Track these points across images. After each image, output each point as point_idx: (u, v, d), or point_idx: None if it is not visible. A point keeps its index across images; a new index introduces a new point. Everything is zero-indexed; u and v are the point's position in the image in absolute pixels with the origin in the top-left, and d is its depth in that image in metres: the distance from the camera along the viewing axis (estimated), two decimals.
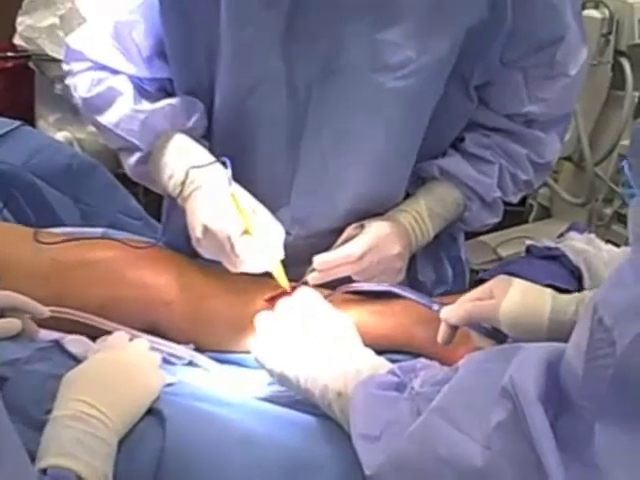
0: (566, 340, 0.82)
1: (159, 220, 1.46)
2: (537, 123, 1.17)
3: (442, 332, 0.93)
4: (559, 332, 0.85)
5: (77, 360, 0.82)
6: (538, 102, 1.14)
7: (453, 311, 0.92)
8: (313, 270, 1.06)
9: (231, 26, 1.02)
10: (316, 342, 0.87)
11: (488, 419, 0.61)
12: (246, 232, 0.98)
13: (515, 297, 0.87)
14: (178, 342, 1.01)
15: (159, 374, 0.84)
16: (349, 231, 1.11)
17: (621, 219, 2.97)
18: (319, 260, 1.06)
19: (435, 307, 0.94)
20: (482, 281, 1.09)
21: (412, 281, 1.22)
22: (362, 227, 1.10)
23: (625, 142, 2.83)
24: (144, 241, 1.16)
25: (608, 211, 2.99)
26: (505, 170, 1.18)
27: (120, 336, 0.88)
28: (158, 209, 1.42)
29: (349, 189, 1.11)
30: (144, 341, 0.89)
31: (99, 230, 1.24)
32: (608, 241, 3.17)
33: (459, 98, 1.12)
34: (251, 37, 1.02)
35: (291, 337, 0.88)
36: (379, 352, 0.90)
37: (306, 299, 0.96)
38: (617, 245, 3.14)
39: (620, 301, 0.55)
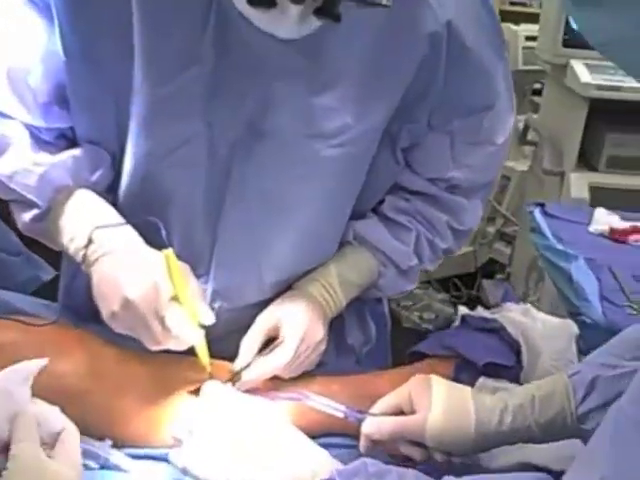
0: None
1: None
2: (460, 189, 1.15)
3: (364, 445, 0.91)
4: (484, 443, 0.86)
5: None
6: (462, 168, 1.12)
7: (375, 427, 0.90)
8: (238, 376, 0.98)
9: (148, 82, 0.94)
10: (247, 441, 0.81)
11: None
12: (174, 299, 0.90)
13: (438, 415, 0.86)
14: (92, 437, 0.91)
15: None
16: (266, 321, 1.02)
17: (503, 237, 3.07)
18: (251, 376, 0.98)
19: (353, 415, 0.92)
20: (415, 354, 1.07)
21: (340, 345, 1.17)
22: (280, 319, 1.02)
23: (509, 164, 2.92)
24: (41, 318, 1.04)
25: (491, 229, 3.09)
26: (423, 237, 1.15)
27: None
28: None
29: (277, 259, 1.05)
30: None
31: None
32: (491, 260, 3.26)
33: (386, 160, 1.09)
34: (171, 95, 0.94)
35: (216, 440, 0.82)
36: (314, 437, 0.87)
37: (227, 394, 0.90)
38: (498, 262, 3.23)
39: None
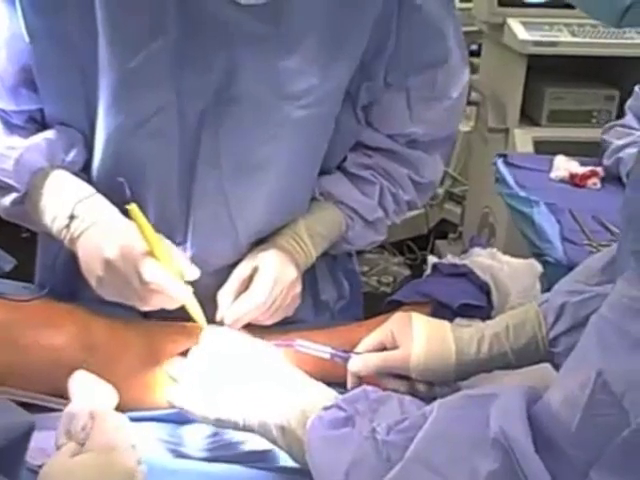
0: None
1: None
2: (419, 144, 1.18)
3: (351, 382, 0.95)
4: (464, 371, 0.92)
5: None
6: (420, 123, 1.16)
7: (361, 364, 0.94)
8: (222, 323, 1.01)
9: (115, 55, 0.96)
10: (242, 376, 0.85)
11: (476, 469, 0.63)
12: (151, 255, 0.93)
13: (421, 347, 0.91)
14: None
15: (135, 456, 0.76)
16: (242, 271, 1.07)
17: (452, 198, 3.15)
18: (231, 317, 1.01)
19: (339, 355, 0.96)
20: (393, 303, 1.12)
21: (315, 302, 1.22)
22: (254, 268, 1.06)
23: None
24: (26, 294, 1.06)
25: (440, 190, 3.16)
26: (386, 190, 1.19)
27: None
28: None
29: (252, 220, 1.09)
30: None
31: None
32: (443, 220, 3.33)
33: (347, 119, 1.12)
34: (139, 66, 0.96)
35: (213, 377, 0.86)
36: None
37: (218, 335, 0.95)
38: (449, 222, 3.31)
39: (629, 369, 0.58)
